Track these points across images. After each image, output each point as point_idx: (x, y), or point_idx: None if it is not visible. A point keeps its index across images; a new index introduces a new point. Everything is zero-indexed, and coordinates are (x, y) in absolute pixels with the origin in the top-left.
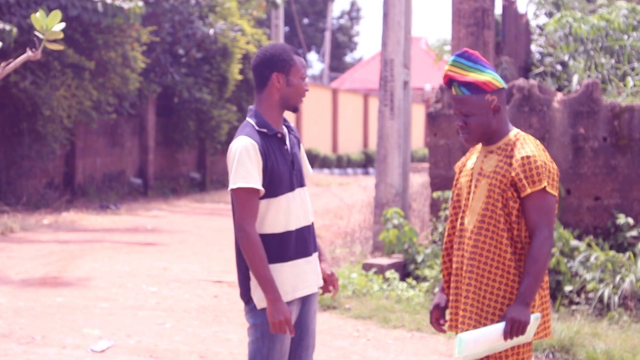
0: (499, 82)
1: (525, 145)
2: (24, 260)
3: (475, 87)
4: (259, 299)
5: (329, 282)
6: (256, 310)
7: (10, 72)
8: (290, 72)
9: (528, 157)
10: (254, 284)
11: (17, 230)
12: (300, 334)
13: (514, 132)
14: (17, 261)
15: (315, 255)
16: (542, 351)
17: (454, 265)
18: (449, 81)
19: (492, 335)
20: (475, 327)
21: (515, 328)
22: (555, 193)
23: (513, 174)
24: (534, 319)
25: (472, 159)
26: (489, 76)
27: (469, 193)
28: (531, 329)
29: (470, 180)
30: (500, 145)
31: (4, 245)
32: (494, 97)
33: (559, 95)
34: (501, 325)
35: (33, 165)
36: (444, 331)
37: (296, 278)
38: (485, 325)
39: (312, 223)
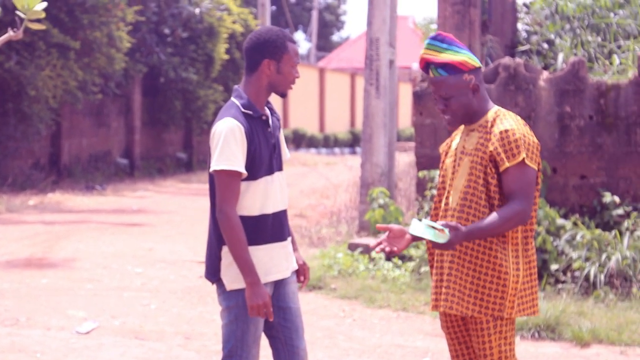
0: (475, 62)
1: (505, 120)
2: (8, 242)
3: (452, 68)
4: (230, 281)
5: (300, 272)
6: (228, 293)
7: None
8: (282, 60)
9: (506, 130)
10: (224, 264)
11: (2, 211)
12: (284, 315)
13: (494, 109)
14: (1, 242)
15: (289, 240)
16: (528, 330)
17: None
18: (426, 65)
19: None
20: (458, 304)
21: (447, 245)
22: (535, 166)
23: (491, 148)
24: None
25: (456, 140)
26: (464, 56)
27: (453, 173)
28: (439, 238)
29: (455, 161)
30: (481, 123)
31: None
32: (471, 77)
33: (545, 74)
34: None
35: (18, 146)
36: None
37: (270, 262)
38: (467, 304)
39: (286, 208)
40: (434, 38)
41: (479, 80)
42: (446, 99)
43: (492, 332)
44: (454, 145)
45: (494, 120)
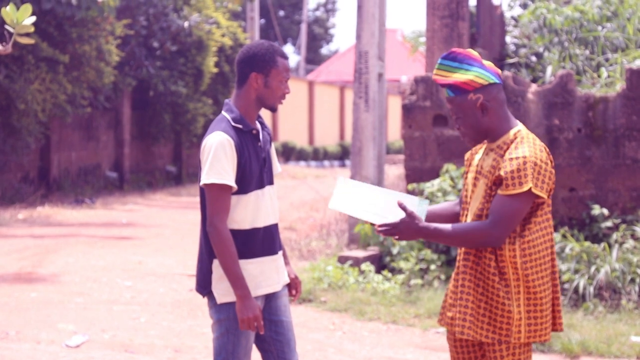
0: (484, 79)
1: (521, 145)
2: None
3: (457, 88)
4: (221, 294)
5: (292, 285)
6: (220, 306)
7: None
8: (270, 74)
9: (517, 157)
10: (215, 277)
11: None
12: (276, 328)
13: (515, 129)
14: None
15: (280, 253)
16: None
17: (456, 264)
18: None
19: (370, 198)
20: (470, 328)
21: (395, 232)
22: (543, 194)
23: (501, 173)
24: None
25: (479, 153)
26: (472, 74)
27: (472, 191)
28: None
29: (475, 178)
30: (499, 144)
31: None
32: (478, 96)
33: (534, 87)
34: (389, 208)
35: (8, 160)
36: None
37: (260, 275)
38: (479, 329)
39: (277, 222)
40: (445, 57)
41: (490, 97)
42: (457, 118)
43: (504, 354)
44: (476, 158)
45: (511, 142)
